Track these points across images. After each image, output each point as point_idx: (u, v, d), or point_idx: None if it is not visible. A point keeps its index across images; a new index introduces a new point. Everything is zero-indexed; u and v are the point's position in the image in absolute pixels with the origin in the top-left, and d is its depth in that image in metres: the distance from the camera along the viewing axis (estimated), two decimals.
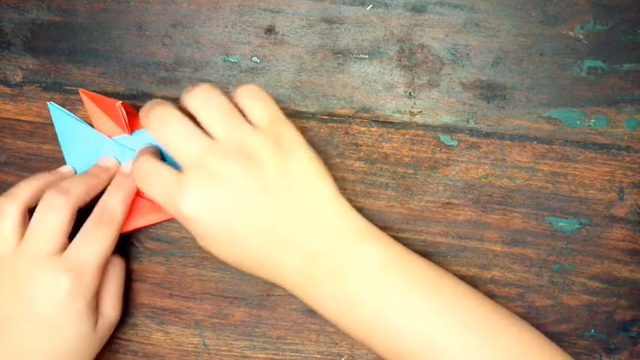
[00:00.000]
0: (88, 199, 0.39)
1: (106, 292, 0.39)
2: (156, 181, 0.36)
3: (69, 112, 0.42)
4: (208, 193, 0.34)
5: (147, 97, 0.42)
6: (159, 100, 0.38)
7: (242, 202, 0.34)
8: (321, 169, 0.37)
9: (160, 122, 0.36)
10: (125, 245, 0.42)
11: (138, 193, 0.41)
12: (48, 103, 0.42)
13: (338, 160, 0.42)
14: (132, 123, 0.41)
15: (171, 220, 0.42)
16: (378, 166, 0.41)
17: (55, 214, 0.37)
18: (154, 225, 0.42)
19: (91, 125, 0.42)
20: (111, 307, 0.40)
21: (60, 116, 0.42)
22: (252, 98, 0.37)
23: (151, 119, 0.36)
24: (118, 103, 0.40)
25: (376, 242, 0.36)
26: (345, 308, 0.35)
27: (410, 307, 0.34)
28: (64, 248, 0.37)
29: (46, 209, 0.37)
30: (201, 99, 0.36)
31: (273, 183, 0.35)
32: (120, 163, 0.41)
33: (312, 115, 0.42)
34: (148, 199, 0.41)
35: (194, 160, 0.35)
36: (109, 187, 0.40)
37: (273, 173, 0.35)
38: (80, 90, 0.41)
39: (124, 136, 0.41)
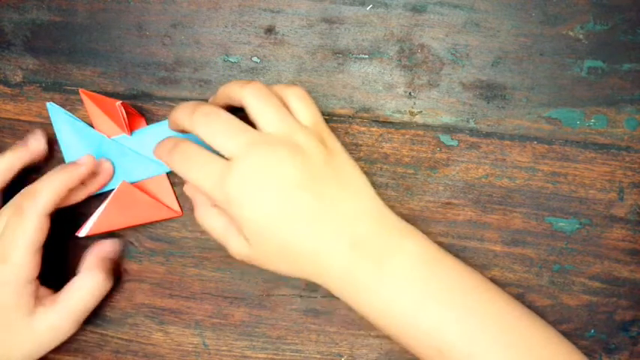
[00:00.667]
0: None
1: (62, 304, 0.38)
2: (204, 164, 0.36)
3: (68, 113, 0.42)
4: (258, 177, 0.35)
5: (147, 97, 0.42)
6: (193, 102, 0.37)
7: (291, 187, 0.35)
8: (361, 171, 0.38)
9: (207, 118, 0.36)
10: (126, 244, 0.42)
11: (141, 189, 0.41)
12: (47, 103, 0.42)
13: None
14: (131, 123, 0.41)
15: (172, 219, 0.42)
16: (378, 166, 0.41)
17: (24, 227, 0.37)
18: (154, 223, 0.42)
19: (91, 125, 0.42)
20: (57, 320, 0.38)
21: (59, 116, 0.42)
22: (301, 100, 0.37)
23: (197, 117, 0.36)
24: (118, 103, 0.40)
25: (419, 238, 0.37)
26: (385, 301, 0.35)
27: (449, 302, 0.35)
28: None
29: (17, 222, 0.37)
30: (255, 92, 0.37)
31: (320, 172, 0.36)
32: (119, 163, 0.41)
33: None
34: (151, 195, 0.41)
35: (245, 147, 0.35)
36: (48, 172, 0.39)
37: (320, 164, 0.36)
38: (80, 90, 0.41)
39: (123, 136, 0.41)
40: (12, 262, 0.36)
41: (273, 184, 0.35)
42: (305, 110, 0.37)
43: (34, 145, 0.40)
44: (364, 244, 0.35)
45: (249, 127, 0.36)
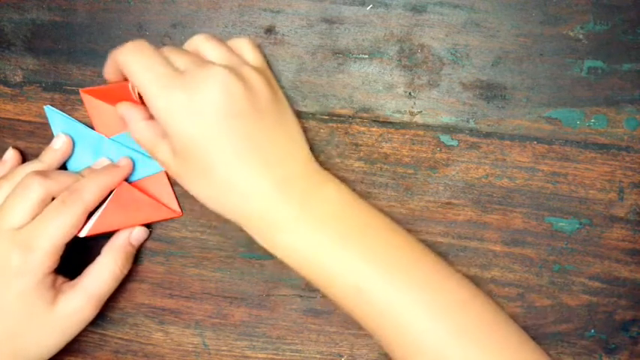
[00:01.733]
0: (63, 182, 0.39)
1: (80, 286, 0.38)
2: (156, 67, 0.36)
3: (65, 114, 0.42)
4: (202, 96, 0.35)
5: None
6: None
7: (229, 115, 0.35)
8: (300, 126, 0.39)
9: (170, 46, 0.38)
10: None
11: (141, 190, 0.41)
12: (44, 107, 0.42)
13: (338, 160, 0.42)
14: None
15: (173, 219, 0.42)
16: (378, 166, 0.41)
17: (25, 191, 0.37)
18: (154, 223, 0.42)
19: (90, 125, 0.42)
20: (79, 304, 0.38)
21: (57, 118, 0.42)
22: (250, 47, 0.39)
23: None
24: (130, 83, 0.39)
25: (339, 184, 0.38)
26: (303, 240, 0.36)
27: (365, 241, 0.36)
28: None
29: (20, 187, 0.38)
30: (205, 38, 0.38)
31: (263, 108, 0.36)
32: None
33: (312, 115, 0.42)
34: (150, 196, 0.41)
35: (197, 65, 0.36)
36: (92, 171, 0.40)
37: (264, 100, 0.37)
38: (80, 90, 0.41)
39: (122, 135, 0.41)
40: (37, 251, 0.36)
41: (213, 107, 0.35)
42: (253, 55, 0.39)
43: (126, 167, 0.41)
44: (287, 185, 0.36)
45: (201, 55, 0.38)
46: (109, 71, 0.39)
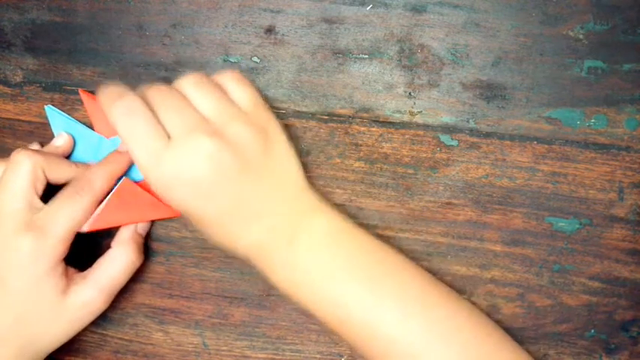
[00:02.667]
0: (58, 170, 0.39)
1: (91, 278, 0.38)
2: (146, 136, 0.36)
3: (66, 114, 0.42)
4: (194, 162, 0.35)
5: None
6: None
7: (223, 177, 0.36)
8: (294, 155, 0.39)
9: (160, 92, 0.37)
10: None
11: (143, 188, 0.41)
12: (45, 106, 0.42)
13: (338, 160, 0.42)
14: None
15: (173, 217, 0.42)
16: (378, 166, 0.41)
17: (15, 167, 0.37)
18: (155, 221, 0.42)
19: (90, 126, 0.42)
20: (90, 296, 0.38)
21: (57, 119, 0.42)
22: (239, 85, 0.39)
23: (152, 89, 0.37)
24: None
25: (329, 215, 0.39)
26: (298, 276, 0.37)
27: (353, 274, 0.37)
28: (35, 209, 0.37)
29: (10, 165, 0.38)
30: (193, 81, 0.38)
31: (254, 164, 0.37)
32: None
33: (312, 115, 0.42)
34: (152, 194, 0.41)
35: (186, 131, 0.36)
36: (99, 162, 0.40)
37: (256, 155, 0.37)
38: (80, 90, 0.41)
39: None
40: (51, 237, 0.37)
41: (201, 179, 0.36)
42: (244, 95, 0.38)
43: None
44: (278, 228, 0.37)
45: (195, 112, 0.37)
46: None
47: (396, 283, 0.37)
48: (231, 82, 0.39)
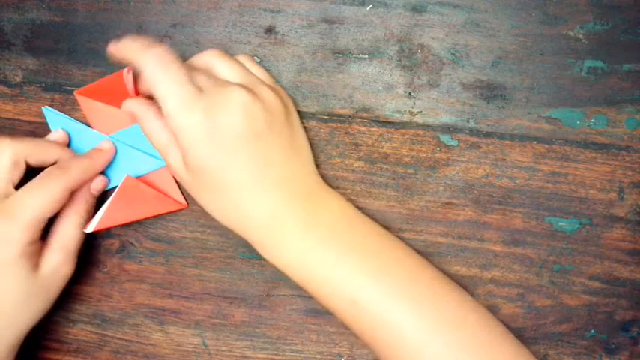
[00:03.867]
0: (40, 157, 0.39)
1: (55, 243, 0.39)
2: (178, 81, 0.35)
3: (64, 114, 0.42)
4: (228, 109, 0.35)
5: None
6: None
7: (252, 130, 0.36)
8: (306, 135, 0.41)
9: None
10: (125, 244, 0.42)
11: (146, 183, 0.41)
12: (43, 107, 0.42)
13: (338, 160, 0.42)
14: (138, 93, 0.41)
15: (178, 211, 0.42)
16: (378, 166, 0.41)
17: None
18: (160, 216, 0.42)
19: (89, 125, 0.42)
20: (59, 260, 0.38)
21: (56, 119, 0.42)
22: (252, 63, 0.40)
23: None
24: (125, 69, 0.39)
25: (344, 201, 0.39)
26: (304, 254, 0.37)
27: (365, 257, 0.37)
28: (5, 196, 0.37)
29: None
30: (218, 54, 0.39)
31: (276, 129, 0.37)
32: (119, 160, 0.41)
33: (312, 115, 0.42)
34: (155, 188, 0.41)
35: (219, 84, 0.36)
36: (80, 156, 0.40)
37: (279, 121, 0.37)
38: (75, 92, 0.41)
39: (121, 133, 0.41)
40: (18, 222, 0.37)
41: (233, 131, 0.35)
42: (263, 73, 0.40)
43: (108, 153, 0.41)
44: (293, 202, 0.37)
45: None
46: (115, 55, 0.38)
47: (408, 269, 0.37)
48: (248, 62, 0.40)
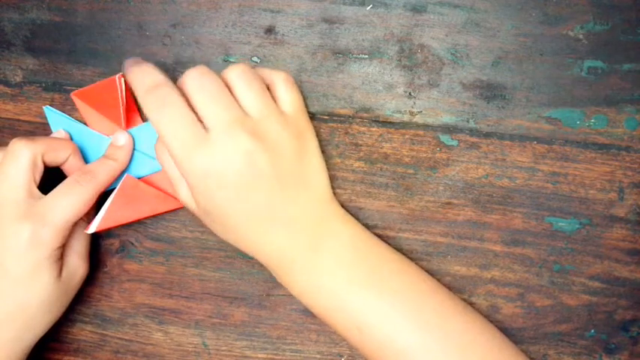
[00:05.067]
0: (58, 156, 0.39)
1: (70, 248, 0.39)
2: (180, 124, 0.35)
3: (65, 114, 0.42)
4: (230, 158, 0.35)
5: None
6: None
7: (256, 178, 0.36)
8: (325, 166, 0.40)
9: (202, 77, 0.36)
10: (125, 244, 0.42)
11: (146, 182, 0.41)
12: (44, 107, 0.42)
13: (338, 160, 0.42)
14: (128, 118, 0.41)
15: (177, 209, 0.42)
16: (378, 166, 0.41)
17: (13, 156, 0.38)
18: (161, 214, 0.42)
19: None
20: (76, 264, 0.40)
21: (57, 119, 0.42)
22: (286, 87, 0.38)
23: (191, 72, 0.36)
24: (118, 75, 0.39)
25: (354, 226, 0.39)
26: (317, 282, 0.37)
27: (373, 286, 0.37)
28: (34, 198, 0.38)
29: (8, 154, 0.38)
30: (240, 73, 0.37)
31: (287, 171, 0.37)
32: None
33: (312, 115, 0.42)
34: (156, 187, 0.41)
35: (225, 125, 0.35)
36: (102, 156, 0.41)
37: (290, 162, 0.37)
38: (72, 94, 0.41)
39: None
40: (49, 225, 0.37)
41: (235, 177, 0.35)
42: (289, 97, 0.38)
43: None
44: (301, 236, 0.37)
45: (236, 103, 0.36)
46: (125, 77, 0.38)
47: (415, 295, 0.37)
48: (281, 82, 0.38)
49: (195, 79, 0.36)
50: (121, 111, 0.40)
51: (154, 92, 0.36)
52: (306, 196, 0.38)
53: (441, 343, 0.36)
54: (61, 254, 0.39)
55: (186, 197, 0.38)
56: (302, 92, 0.42)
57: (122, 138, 0.41)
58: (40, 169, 0.38)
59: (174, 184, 0.39)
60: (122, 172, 0.41)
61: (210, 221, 0.38)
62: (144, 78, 0.36)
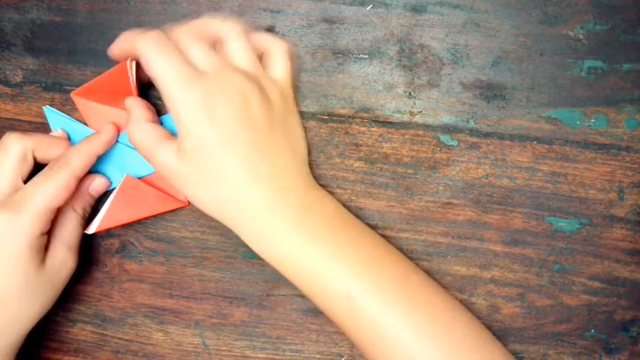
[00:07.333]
0: (49, 150, 0.39)
1: (57, 239, 0.39)
2: (177, 61, 0.36)
3: (65, 114, 0.42)
4: (221, 100, 0.36)
5: (147, 97, 0.42)
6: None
7: (248, 118, 0.36)
8: (305, 136, 0.41)
9: (190, 33, 0.37)
10: (125, 244, 0.42)
11: (146, 183, 0.41)
12: (43, 107, 0.42)
13: (338, 160, 0.42)
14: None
15: (178, 209, 0.42)
16: (378, 166, 0.41)
17: (4, 151, 0.38)
18: (161, 214, 0.42)
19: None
20: (63, 256, 0.39)
21: (57, 119, 0.42)
22: (281, 55, 0.39)
23: (182, 28, 0.37)
24: (128, 59, 0.39)
25: (335, 201, 0.40)
26: (297, 250, 0.36)
27: (357, 254, 0.37)
28: (15, 190, 0.38)
29: (2, 150, 0.38)
30: (235, 31, 0.38)
31: (276, 126, 0.37)
32: (119, 161, 0.41)
33: (312, 115, 0.42)
34: (156, 187, 0.41)
35: (220, 67, 0.36)
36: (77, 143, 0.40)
37: (279, 119, 0.38)
38: (72, 94, 0.41)
39: (123, 134, 0.41)
40: (26, 213, 0.37)
41: (229, 111, 0.36)
42: (280, 66, 0.39)
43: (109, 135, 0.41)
44: (286, 196, 0.37)
45: (229, 56, 0.37)
46: (116, 52, 0.39)
47: (400, 271, 0.37)
48: (278, 51, 0.39)
49: (185, 32, 0.37)
50: (135, 95, 0.40)
51: (149, 34, 0.36)
52: (292, 158, 0.38)
53: (426, 320, 0.36)
54: (46, 244, 0.38)
55: (166, 158, 0.37)
56: (302, 92, 0.42)
57: (107, 128, 0.40)
58: (30, 163, 0.38)
59: (150, 153, 0.38)
60: (98, 158, 0.40)
61: (193, 178, 0.37)
62: (136, 33, 0.37)
